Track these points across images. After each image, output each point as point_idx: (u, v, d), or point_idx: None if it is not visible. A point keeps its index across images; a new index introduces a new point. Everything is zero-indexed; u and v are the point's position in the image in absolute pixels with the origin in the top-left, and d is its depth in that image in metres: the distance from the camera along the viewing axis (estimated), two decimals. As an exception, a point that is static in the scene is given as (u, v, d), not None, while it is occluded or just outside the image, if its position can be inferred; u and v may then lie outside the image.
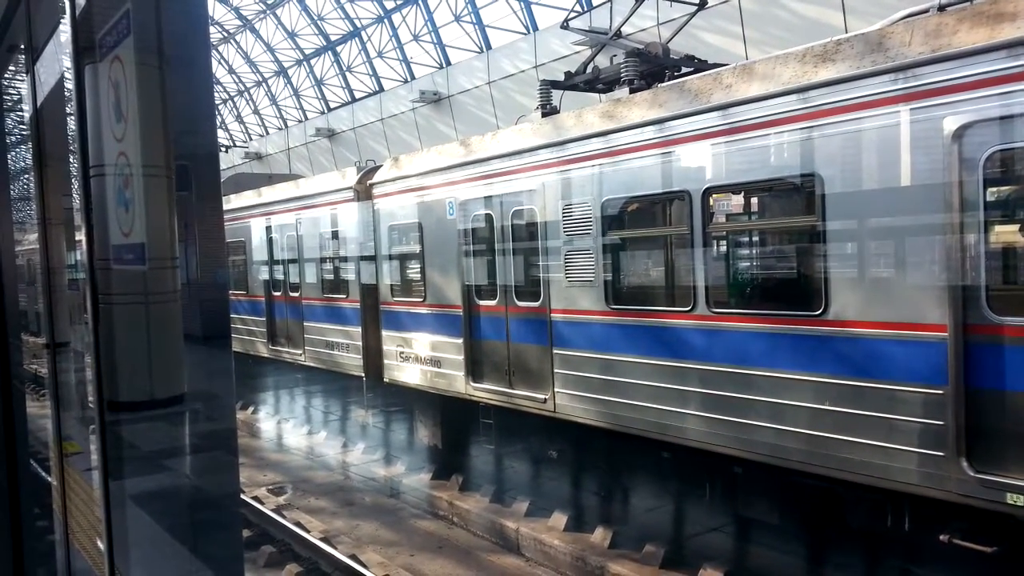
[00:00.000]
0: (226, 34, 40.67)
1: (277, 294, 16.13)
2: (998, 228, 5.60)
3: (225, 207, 16.47)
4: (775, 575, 7.76)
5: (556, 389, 9.11)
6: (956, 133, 5.51)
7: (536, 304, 9.42)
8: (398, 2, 30.71)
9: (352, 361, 13.40)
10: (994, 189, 5.59)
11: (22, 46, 3.02)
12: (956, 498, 5.65)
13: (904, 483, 5.97)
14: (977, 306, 5.51)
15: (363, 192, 12.97)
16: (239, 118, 47.58)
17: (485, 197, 10.17)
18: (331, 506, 11.63)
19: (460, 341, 10.63)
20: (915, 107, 5.77)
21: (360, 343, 13.06)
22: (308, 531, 9.90)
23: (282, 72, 40.98)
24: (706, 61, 9.95)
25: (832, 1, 17.39)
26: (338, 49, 35.81)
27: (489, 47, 28.08)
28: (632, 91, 8.73)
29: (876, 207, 6.16)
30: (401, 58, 32.37)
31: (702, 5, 10.78)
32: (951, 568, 6.21)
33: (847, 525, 6.95)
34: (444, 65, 30.18)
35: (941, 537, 5.92)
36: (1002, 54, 5.30)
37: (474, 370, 10.50)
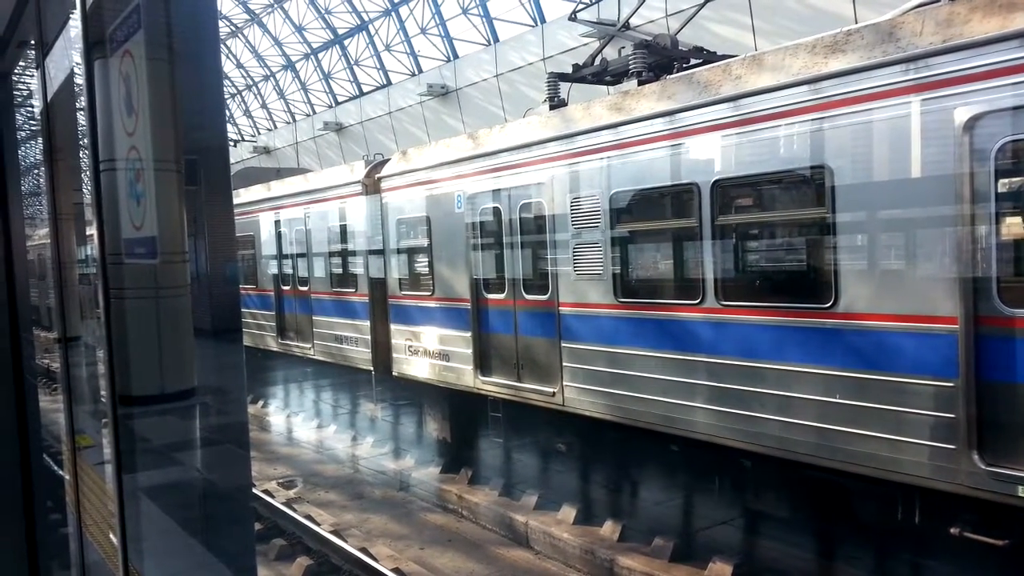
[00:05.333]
0: (234, 28, 40.71)
1: (286, 288, 16.17)
2: (1010, 220, 5.56)
3: (234, 201, 16.49)
4: (784, 568, 7.75)
5: (565, 382, 9.11)
6: (967, 124, 5.47)
7: (544, 297, 9.41)
8: (405, -5, 30.68)
9: (361, 355, 13.44)
10: (1006, 180, 5.54)
11: (32, 42, 3.03)
12: (967, 491, 5.62)
13: (914, 476, 5.95)
14: (988, 298, 5.48)
15: (371, 186, 12.98)
16: (247, 112, 47.66)
17: (493, 190, 10.16)
18: (341, 499, 11.68)
19: (468, 335, 10.64)
20: (926, 98, 5.73)
21: (369, 337, 13.08)
22: (318, 524, 9.94)
23: (290, 66, 41.00)
24: (715, 52, 9.90)
25: (842, -9, 17.24)
26: (345, 43, 35.80)
27: (496, 40, 28.01)
28: (640, 83, 8.69)
29: (886, 199, 6.12)
30: (408, 51, 32.33)
31: (711, -4, 10.71)
32: (962, 561, 6.19)
33: (857, 518, 6.93)
34: (451, 58, 30.13)
35: (952, 530, 5.90)
36: (1014, 43, 5.25)
37: (482, 364, 10.51)
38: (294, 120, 43.09)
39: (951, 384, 5.66)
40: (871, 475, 6.26)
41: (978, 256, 5.50)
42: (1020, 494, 5.30)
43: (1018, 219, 5.57)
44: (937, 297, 5.74)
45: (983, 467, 5.48)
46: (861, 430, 6.21)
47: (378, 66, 34.56)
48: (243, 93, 46.66)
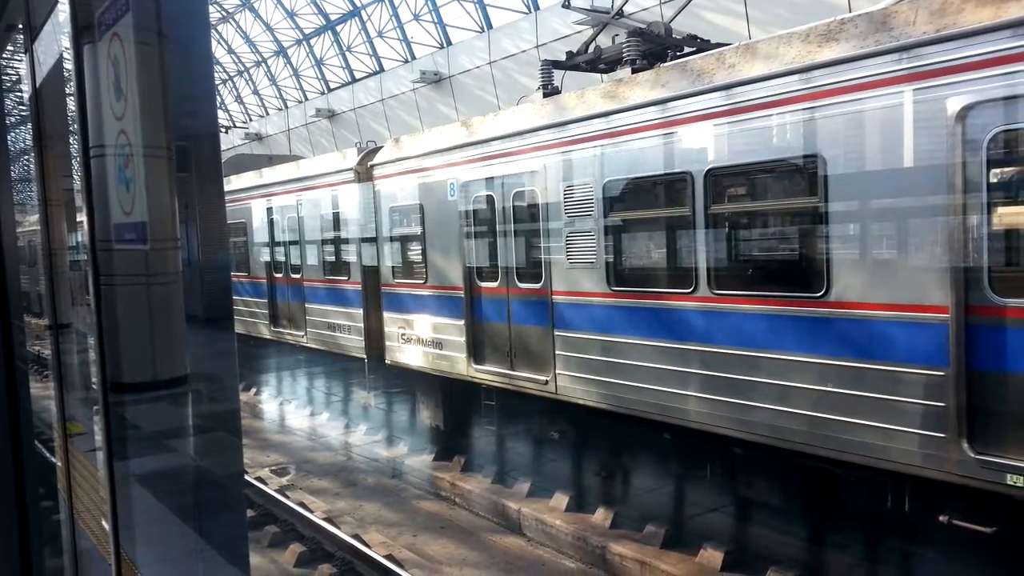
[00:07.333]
0: (225, 13, 40.38)
1: (279, 276, 16.13)
2: (1001, 209, 5.58)
3: (226, 188, 16.43)
4: (775, 555, 7.81)
5: (557, 371, 9.13)
6: (960, 114, 5.48)
7: (537, 286, 9.41)
8: (398, -19, 30.47)
9: (354, 343, 13.43)
10: (997, 170, 5.56)
11: (20, 25, 2.99)
12: (956, 479, 5.67)
13: (905, 464, 5.99)
14: (979, 288, 5.50)
15: (364, 173, 12.93)
16: (239, 98, 47.35)
17: (486, 178, 10.14)
18: (334, 487, 11.70)
19: (462, 323, 10.64)
20: (918, 87, 5.73)
21: (362, 325, 13.07)
22: (311, 511, 9.96)
23: (282, 52, 40.73)
24: (709, 41, 9.88)
25: (836, -20, 17.20)
26: (338, 29, 35.56)
27: (490, 27, 27.87)
28: (634, 71, 8.67)
29: (879, 188, 6.13)
30: (401, 38, 32.15)
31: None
32: (950, 548, 6.25)
33: (847, 506, 6.98)
34: (445, 45, 29.98)
35: (940, 518, 5.95)
36: (1007, 33, 5.25)
37: (476, 352, 10.51)
38: (286, 107, 42.85)
39: (941, 373, 5.69)
40: (862, 463, 6.30)
41: (969, 246, 5.53)
42: (1009, 482, 5.35)
43: (1010, 209, 5.59)
44: (928, 286, 5.76)
45: (972, 455, 5.52)
46: (853, 418, 6.25)
47: (370, 52, 34.36)
48: (234, 79, 46.35)
